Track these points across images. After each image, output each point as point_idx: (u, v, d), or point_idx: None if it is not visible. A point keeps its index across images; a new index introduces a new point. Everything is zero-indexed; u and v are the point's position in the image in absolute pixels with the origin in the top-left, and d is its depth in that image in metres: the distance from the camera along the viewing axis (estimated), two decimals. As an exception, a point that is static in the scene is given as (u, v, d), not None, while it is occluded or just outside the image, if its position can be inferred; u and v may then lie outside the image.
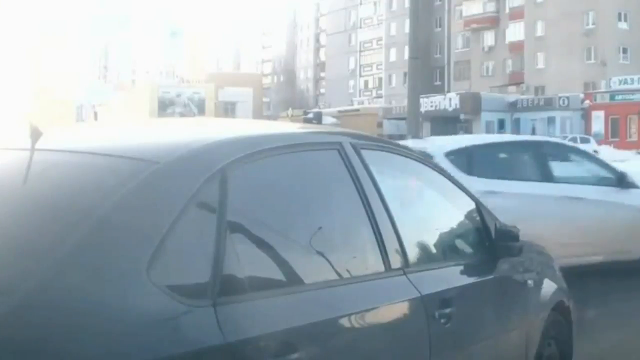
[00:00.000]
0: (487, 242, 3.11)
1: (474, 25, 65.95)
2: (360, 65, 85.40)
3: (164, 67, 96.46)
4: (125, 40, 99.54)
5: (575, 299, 3.86)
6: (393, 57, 75.66)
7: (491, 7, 65.20)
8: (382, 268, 2.42)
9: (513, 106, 52.03)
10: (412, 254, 2.62)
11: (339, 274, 2.27)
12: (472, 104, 51.79)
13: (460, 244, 3.21)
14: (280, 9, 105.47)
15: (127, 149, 2.10)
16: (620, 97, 47.32)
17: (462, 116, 52.00)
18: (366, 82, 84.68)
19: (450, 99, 53.16)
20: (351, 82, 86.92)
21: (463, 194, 3.19)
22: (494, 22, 65.08)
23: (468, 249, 3.22)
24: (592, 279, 6.92)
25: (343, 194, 2.45)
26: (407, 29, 26.61)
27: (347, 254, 2.40)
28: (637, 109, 45.52)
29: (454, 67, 69.10)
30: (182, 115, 75.69)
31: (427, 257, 2.85)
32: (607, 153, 37.00)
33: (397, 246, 2.49)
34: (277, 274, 2.10)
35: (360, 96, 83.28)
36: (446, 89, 64.57)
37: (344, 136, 2.60)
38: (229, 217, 1.94)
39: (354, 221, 2.45)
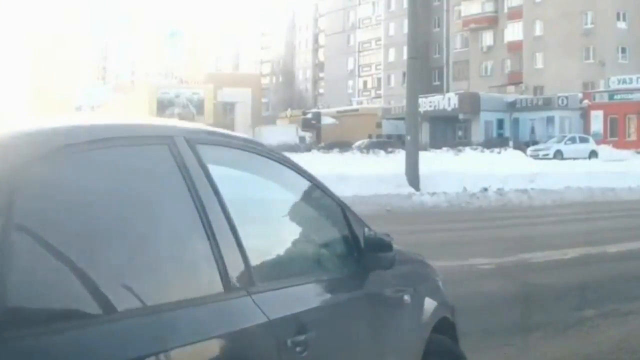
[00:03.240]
0: (356, 253, 2.71)
1: (473, 25, 65.98)
2: (359, 66, 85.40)
3: (163, 67, 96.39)
4: (125, 41, 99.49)
5: (576, 298, 3.85)
6: (392, 57, 75.65)
7: (490, 7, 65.24)
8: (220, 288, 1.98)
9: (512, 106, 52.03)
10: (260, 269, 2.19)
11: (162, 297, 1.82)
12: (471, 104, 51.79)
13: (321, 255, 2.73)
14: (279, 9, 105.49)
15: None
16: (619, 96, 47.35)
17: (461, 116, 52.02)
18: (365, 83, 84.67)
19: (449, 99, 53.17)
20: (350, 83, 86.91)
21: (327, 197, 2.77)
22: (492, 22, 65.11)
23: (331, 262, 2.74)
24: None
25: (170, 198, 2.03)
26: (405, 29, 26.63)
27: (173, 271, 1.93)
28: (635, 109, 45.55)
29: (452, 67, 69.12)
30: (181, 116, 75.75)
31: (278, 273, 2.39)
32: (606, 153, 37.13)
33: (239, 260, 2.07)
34: (77, 301, 1.65)
35: (359, 96, 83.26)
36: (445, 89, 64.57)
37: (177, 129, 2.18)
38: (13, 231, 1.57)
39: (185, 231, 2.01)
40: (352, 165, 21.44)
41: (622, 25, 55.25)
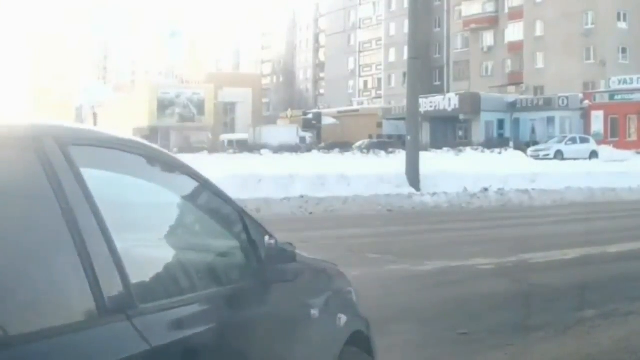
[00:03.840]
0: (256, 264, 2.45)
1: (473, 26, 65.98)
2: (359, 66, 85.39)
3: (163, 67, 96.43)
4: (125, 40, 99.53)
5: (576, 298, 3.85)
6: (392, 57, 75.65)
7: (490, 7, 65.24)
8: (92, 312, 1.71)
9: (512, 106, 52.03)
10: (141, 288, 1.91)
11: (17, 327, 1.53)
12: (472, 104, 51.80)
13: (215, 269, 2.44)
14: (280, 9, 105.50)
15: None
16: (619, 97, 47.33)
17: (461, 116, 52.03)
18: (365, 83, 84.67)
19: (449, 99, 53.18)
20: (350, 83, 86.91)
21: (223, 203, 2.50)
22: (493, 22, 65.10)
23: (226, 276, 2.45)
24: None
25: (33, 208, 1.76)
26: (406, 29, 26.64)
27: (34, 294, 1.63)
28: (636, 109, 45.53)
29: (453, 67, 69.11)
30: (181, 115, 75.78)
31: (164, 291, 2.08)
32: (606, 153, 37.13)
33: (116, 278, 1.79)
34: None
35: (359, 96, 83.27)
36: (445, 89, 64.58)
37: (45, 129, 1.93)
38: None
39: (50, 245, 1.74)
40: (352, 166, 21.44)
41: (622, 25, 55.25)
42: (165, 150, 2.47)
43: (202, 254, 2.44)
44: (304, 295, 2.77)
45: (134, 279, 1.86)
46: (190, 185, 2.40)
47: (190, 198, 2.44)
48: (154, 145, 2.40)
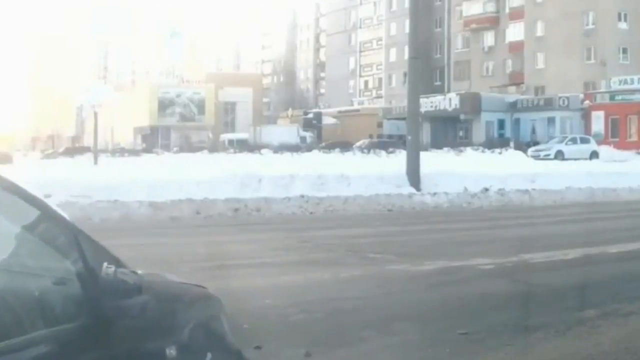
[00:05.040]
0: (91, 299, 2.00)
1: (474, 26, 65.97)
2: (360, 66, 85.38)
3: (164, 67, 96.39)
4: (125, 40, 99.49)
5: (577, 298, 3.84)
6: (393, 57, 75.64)
7: (491, 7, 65.23)
8: None
9: (513, 106, 52.04)
10: None
11: None
12: (472, 104, 51.80)
13: (37, 306, 1.97)
14: (280, 9, 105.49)
15: None
16: (620, 97, 47.31)
17: (462, 116, 52.03)
18: (366, 82, 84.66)
19: (450, 99, 53.18)
20: (351, 82, 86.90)
21: (52, 223, 2.06)
22: (493, 22, 65.10)
23: (52, 314, 1.98)
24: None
25: None
26: (407, 29, 26.63)
27: None
28: (636, 109, 45.51)
29: (453, 67, 69.10)
30: (182, 115, 75.76)
31: None
32: (607, 153, 37.11)
33: None
34: None
35: (360, 96, 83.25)
36: (446, 89, 64.58)
37: None
38: None
39: None
40: (353, 165, 21.45)
41: (623, 25, 55.23)
42: None
43: (23, 288, 1.97)
44: (155, 332, 2.26)
45: None
46: (9, 201, 1.95)
47: (8, 217, 2.00)
48: None
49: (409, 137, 19.16)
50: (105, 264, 2.03)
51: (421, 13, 24.50)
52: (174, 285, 2.53)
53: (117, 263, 2.09)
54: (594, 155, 37.92)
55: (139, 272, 2.17)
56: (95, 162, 27.68)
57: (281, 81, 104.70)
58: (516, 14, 61.84)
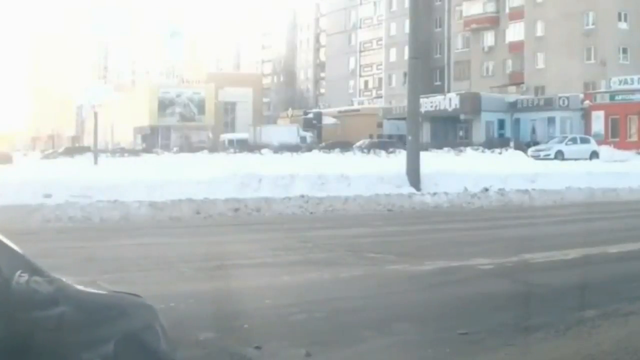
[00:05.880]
0: (3, 312, 1.79)
1: (474, 26, 66.00)
2: (360, 66, 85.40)
3: (164, 67, 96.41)
4: (125, 40, 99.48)
5: (577, 298, 3.82)
6: (393, 57, 75.66)
7: (491, 7, 65.25)
8: None
9: (513, 106, 52.06)
10: None
11: None
12: (472, 104, 51.82)
13: None
14: (280, 9, 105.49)
15: None
16: (620, 97, 47.33)
17: (462, 116, 52.06)
18: (366, 82, 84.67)
19: (450, 99, 53.20)
20: (351, 82, 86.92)
21: None
22: (493, 22, 65.12)
23: None
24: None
25: None
26: (407, 29, 26.62)
27: None
28: (636, 109, 45.53)
29: (454, 67, 69.11)
30: (182, 115, 75.77)
31: None
32: (607, 153, 37.13)
33: None
34: None
35: (360, 96, 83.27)
36: (446, 89, 64.60)
37: None
38: None
39: None
40: (353, 165, 21.46)
41: (623, 25, 55.25)
42: None
43: None
44: (76, 346, 2.00)
45: None
46: None
47: None
48: None
49: (409, 137, 19.15)
50: (18, 272, 1.81)
51: (421, 13, 24.50)
52: (100, 295, 2.31)
53: (33, 271, 1.87)
54: (594, 155, 37.94)
55: (64, 280, 1.96)
56: (95, 162, 27.72)
57: (281, 81, 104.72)
58: (516, 14, 61.85)
